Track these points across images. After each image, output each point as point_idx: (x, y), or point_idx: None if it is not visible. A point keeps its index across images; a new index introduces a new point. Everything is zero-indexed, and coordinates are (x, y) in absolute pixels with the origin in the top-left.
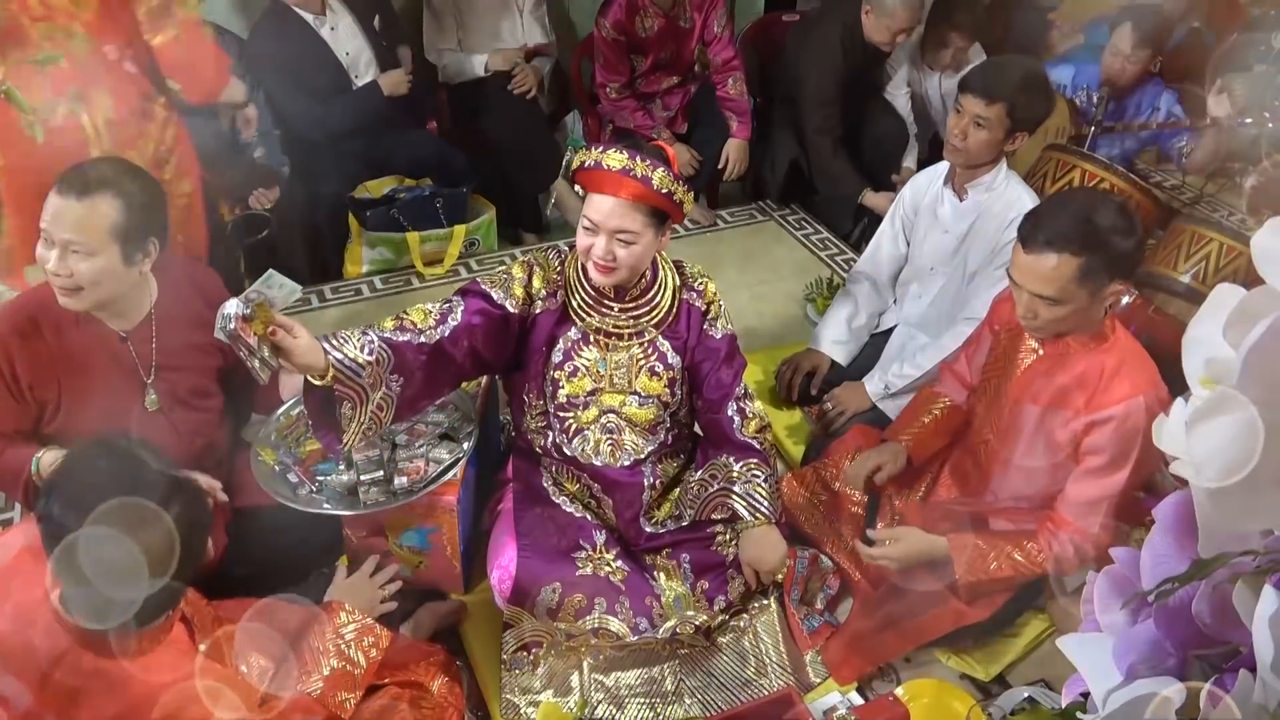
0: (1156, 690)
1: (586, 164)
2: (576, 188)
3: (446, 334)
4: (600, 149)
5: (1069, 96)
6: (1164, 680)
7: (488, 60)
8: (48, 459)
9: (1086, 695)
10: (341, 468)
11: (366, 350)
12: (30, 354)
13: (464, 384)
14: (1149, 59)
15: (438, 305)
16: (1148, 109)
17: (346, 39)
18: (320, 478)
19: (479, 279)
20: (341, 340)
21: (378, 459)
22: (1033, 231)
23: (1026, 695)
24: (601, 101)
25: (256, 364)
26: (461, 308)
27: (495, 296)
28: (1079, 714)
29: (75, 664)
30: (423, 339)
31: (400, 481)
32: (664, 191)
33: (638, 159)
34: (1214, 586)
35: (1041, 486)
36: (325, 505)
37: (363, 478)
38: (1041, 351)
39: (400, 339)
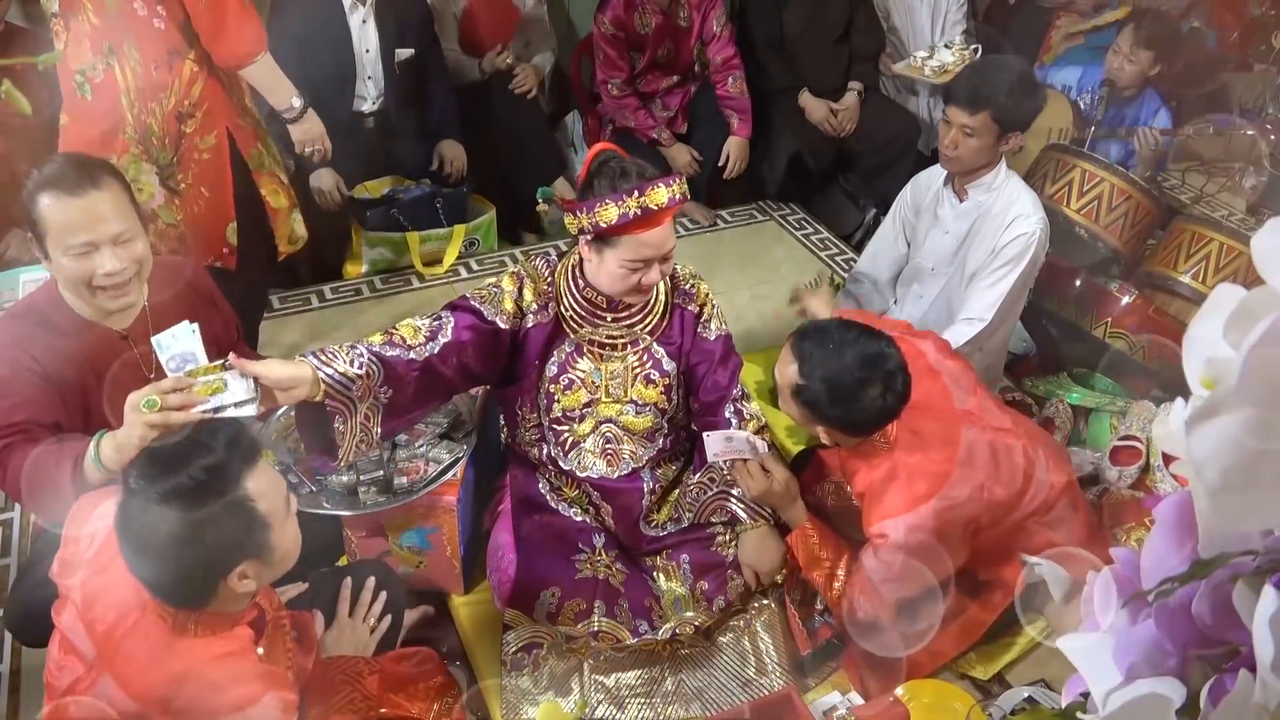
0: (1156, 690)
1: (633, 213)
2: (600, 225)
3: (436, 351)
4: (640, 192)
5: (1073, 98)
6: (1164, 680)
7: (480, 63)
8: (109, 443)
9: (1086, 695)
10: (341, 468)
11: (356, 364)
12: (52, 350)
13: None
14: (1149, 61)
15: (427, 321)
16: (1145, 121)
17: (370, 37)
18: (320, 478)
19: (468, 294)
20: (330, 356)
21: (378, 459)
22: None
23: (1026, 695)
24: (603, 100)
25: (231, 410)
26: (451, 324)
27: (485, 313)
28: (1079, 714)
29: (142, 628)
30: (412, 355)
31: (400, 481)
32: (689, 199)
33: (675, 183)
34: (1214, 586)
35: None
36: (325, 505)
37: (363, 478)
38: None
39: (390, 354)
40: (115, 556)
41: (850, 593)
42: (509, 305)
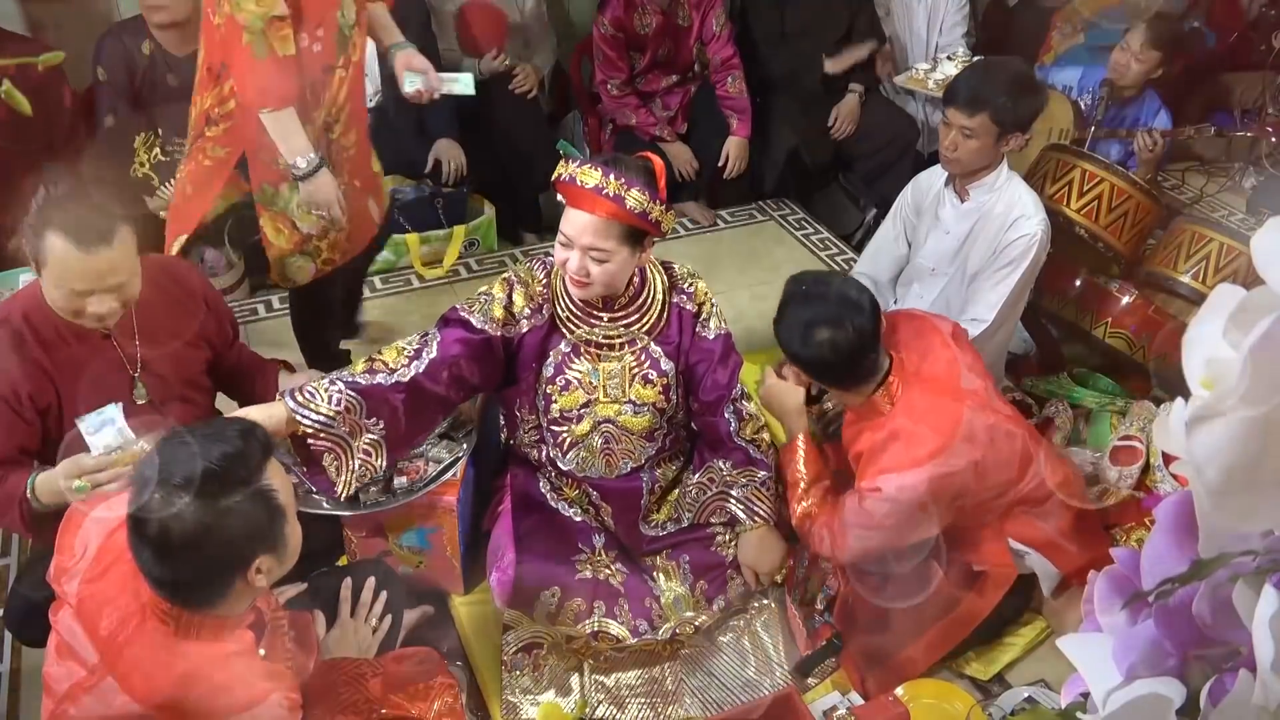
0: (1156, 690)
1: (563, 177)
2: (559, 196)
3: (422, 369)
4: (577, 163)
5: (1073, 98)
6: (1164, 680)
7: (479, 64)
8: (43, 480)
9: (1086, 695)
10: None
11: (334, 401)
12: (26, 363)
13: None
14: (1155, 62)
15: (414, 341)
16: (1145, 122)
17: None
18: None
19: (458, 305)
20: (308, 396)
21: None
22: None
23: (1026, 695)
24: (603, 100)
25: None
26: (438, 340)
27: (474, 322)
28: (1079, 714)
29: (144, 633)
30: (395, 378)
31: (400, 481)
32: (638, 212)
33: (612, 177)
34: (1214, 586)
35: None
36: (325, 505)
37: None
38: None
39: (369, 382)
40: (113, 562)
41: (818, 520)
42: (498, 312)
